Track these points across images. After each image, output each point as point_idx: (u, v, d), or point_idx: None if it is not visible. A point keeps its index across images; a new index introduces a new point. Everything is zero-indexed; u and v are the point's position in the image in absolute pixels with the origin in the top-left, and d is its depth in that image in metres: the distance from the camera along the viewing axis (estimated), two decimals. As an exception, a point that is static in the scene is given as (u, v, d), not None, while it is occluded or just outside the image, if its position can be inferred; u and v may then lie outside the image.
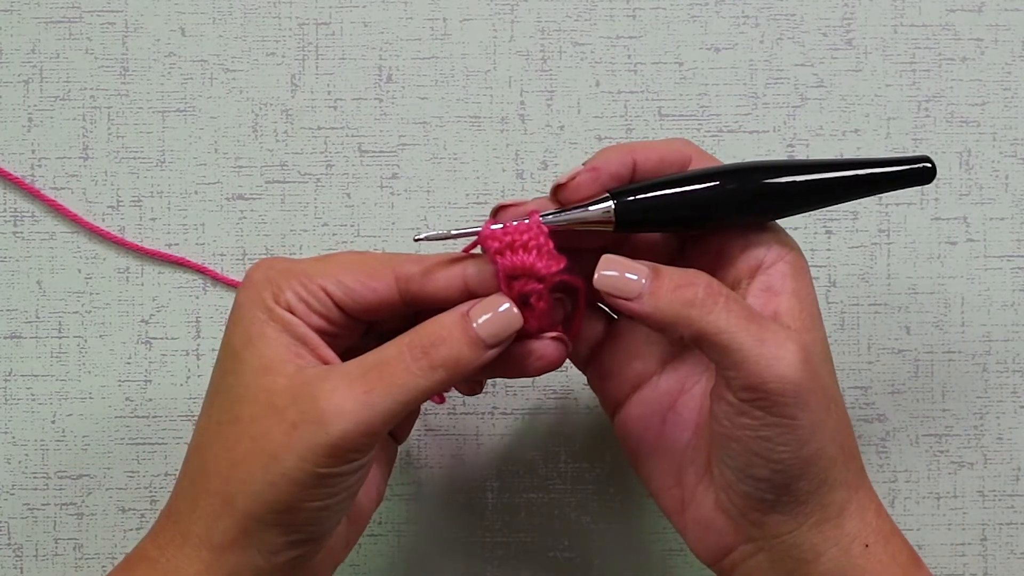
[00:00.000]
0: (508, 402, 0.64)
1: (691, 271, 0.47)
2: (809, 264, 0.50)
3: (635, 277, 0.46)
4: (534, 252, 0.47)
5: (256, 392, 0.46)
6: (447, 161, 0.64)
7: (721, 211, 0.48)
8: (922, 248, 0.64)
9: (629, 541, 0.63)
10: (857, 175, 0.48)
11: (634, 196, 0.48)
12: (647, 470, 0.51)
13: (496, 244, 0.47)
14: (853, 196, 0.49)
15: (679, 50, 0.64)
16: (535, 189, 0.64)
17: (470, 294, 0.48)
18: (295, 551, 0.47)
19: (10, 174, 0.63)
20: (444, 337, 0.46)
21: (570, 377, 0.63)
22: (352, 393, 0.45)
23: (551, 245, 0.48)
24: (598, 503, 0.64)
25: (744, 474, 0.47)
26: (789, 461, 0.46)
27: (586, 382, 0.63)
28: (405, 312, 0.50)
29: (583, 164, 0.49)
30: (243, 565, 0.46)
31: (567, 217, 0.48)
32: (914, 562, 0.49)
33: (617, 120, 0.64)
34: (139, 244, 0.63)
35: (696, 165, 0.49)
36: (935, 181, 0.64)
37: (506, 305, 0.47)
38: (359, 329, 0.50)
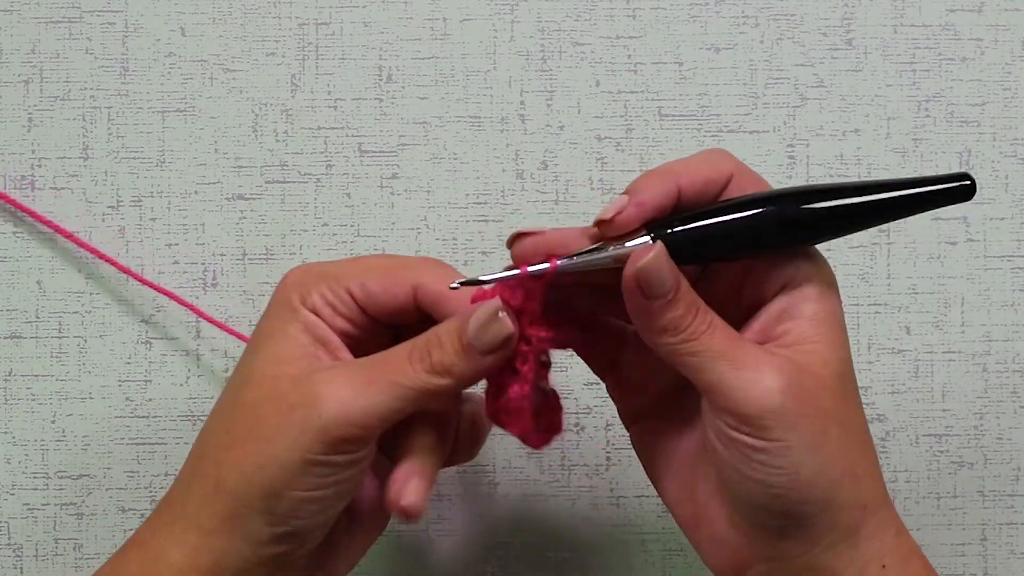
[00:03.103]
0: (508, 402, 0.63)
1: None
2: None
3: (667, 283, 0.46)
4: (521, 317, 0.47)
5: (262, 379, 0.47)
6: (447, 161, 0.64)
7: (763, 242, 0.47)
8: (922, 248, 0.64)
9: (629, 541, 0.63)
10: (900, 196, 0.47)
11: (673, 230, 0.46)
12: (661, 483, 0.51)
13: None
14: (893, 217, 0.48)
15: (679, 50, 0.64)
16: (535, 189, 0.64)
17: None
18: (280, 546, 0.47)
19: (8, 197, 0.63)
20: (441, 344, 0.47)
21: (571, 377, 0.63)
22: (352, 382, 0.45)
23: (537, 308, 0.47)
24: (598, 503, 0.64)
25: (745, 503, 0.46)
26: (787, 485, 0.45)
27: (586, 382, 0.63)
28: (427, 319, 0.49)
29: (625, 193, 0.47)
30: (229, 552, 0.46)
31: (599, 256, 0.46)
32: None
33: (617, 120, 0.64)
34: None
35: (737, 181, 0.47)
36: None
37: (497, 314, 0.46)
38: (385, 334, 0.50)
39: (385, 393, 0.45)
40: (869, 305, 0.64)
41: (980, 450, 0.64)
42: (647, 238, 0.46)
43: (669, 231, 0.46)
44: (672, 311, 0.46)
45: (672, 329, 0.46)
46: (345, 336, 0.48)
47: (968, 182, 0.47)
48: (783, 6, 0.65)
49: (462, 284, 0.47)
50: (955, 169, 0.64)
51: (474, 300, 0.47)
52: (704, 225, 0.46)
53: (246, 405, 0.47)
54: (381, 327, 0.49)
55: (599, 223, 0.47)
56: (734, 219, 0.46)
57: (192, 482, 0.47)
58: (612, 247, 0.46)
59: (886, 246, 0.64)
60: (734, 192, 0.47)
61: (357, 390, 0.45)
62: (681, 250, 0.46)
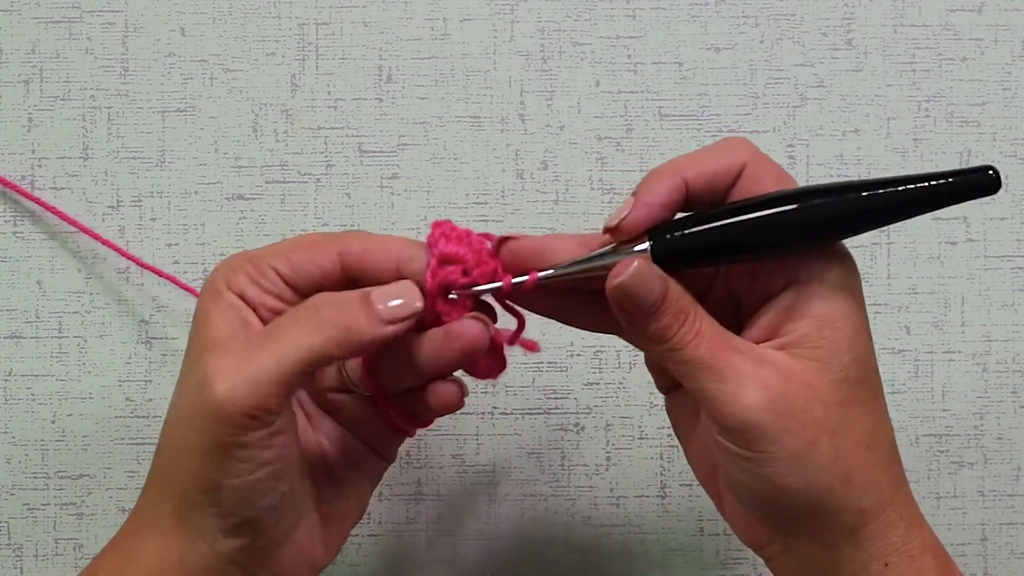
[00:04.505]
0: (508, 402, 0.64)
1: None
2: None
3: (650, 297, 0.45)
4: (464, 247, 0.47)
5: (189, 374, 0.46)
6: (447, 161, 0.64)
7: (775, 243, 0.46)
8: (922, 248, 0.64)
9: (629, 541, 0.64)
10: (915, 189, 0.45)
11: (672, 236, 0.45)
12: (689, 455, 0.51)
13: (437, 232, 0.48)
14: (910, 214, 0.46)
15: (679, 50, 0.64)
16: (535, 189, 0.64)
17: (400, 276, 0.47)
18: (237, 539, 0.46)
19: (9, 182, 0.63)
20: (339, 301, 0.46)
21: (570, 377, 0.63)
22: (238, 354, 0.45)
23: (486, 253, 0.47)
24: (598, 503, 0.64)
25: (739, 496, 0.47)
26: (772, 491, 0.45)
27: (586, 382, 0.64)
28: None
29: (632, 195, 0.46)
30: (189, 551, 0.46)
31: (580, 268, 0.46)
32: None
33: (617, 120, 0.64)
34: (137, 255, 0.63)
35: (751, 171, 0.46)
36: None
37: (406, 286, 0.46)
38: None
39: (275, 354, 0.44)
40: (869, 305, 0.64)
41: (980, 450, 0.64)
42: (646, 245, 0.45)
43: (669, 236, 0.45)
44: (656, 322, 0.45)
45: (657, 339, 0.45)
46: (275, 315, 0.47)
47: (992, 173, 0.44)
48: (783, 6, 0.65)
49: (457, 293, 0.47)
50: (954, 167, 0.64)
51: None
52: (706, 230, 0.45)
53: (177, 402, 0.47)
54: None
55: (607, 230, 0.46)
56: (741, 221, 0.45)
57: (148, 486, 0.47)
58: (592, 261, 0.46)
59: (886, 246, 0.64)
60: (748, 182, 0.46)
61: (242, 363, 0.44)
62: (686, 255, 0.46)
